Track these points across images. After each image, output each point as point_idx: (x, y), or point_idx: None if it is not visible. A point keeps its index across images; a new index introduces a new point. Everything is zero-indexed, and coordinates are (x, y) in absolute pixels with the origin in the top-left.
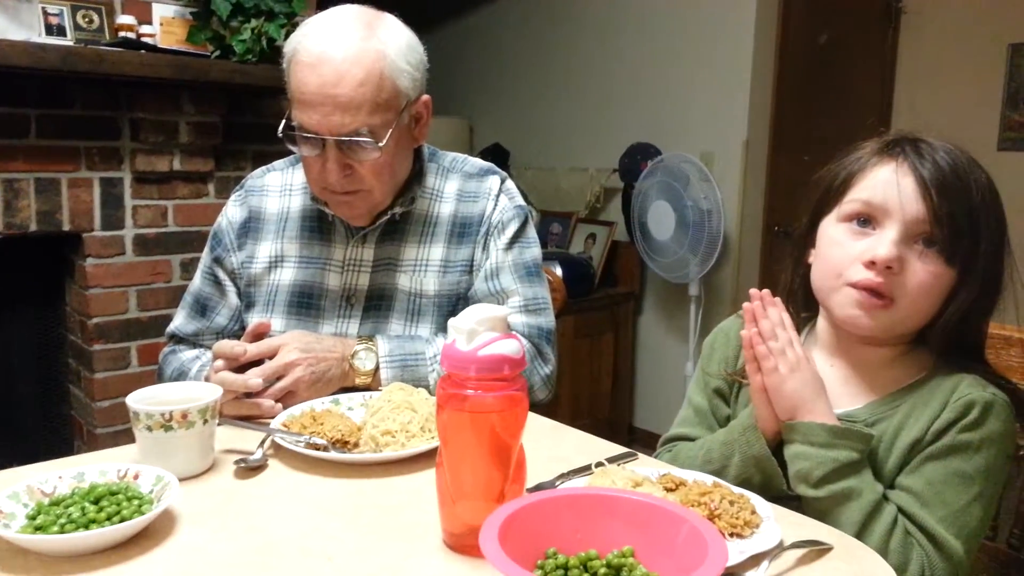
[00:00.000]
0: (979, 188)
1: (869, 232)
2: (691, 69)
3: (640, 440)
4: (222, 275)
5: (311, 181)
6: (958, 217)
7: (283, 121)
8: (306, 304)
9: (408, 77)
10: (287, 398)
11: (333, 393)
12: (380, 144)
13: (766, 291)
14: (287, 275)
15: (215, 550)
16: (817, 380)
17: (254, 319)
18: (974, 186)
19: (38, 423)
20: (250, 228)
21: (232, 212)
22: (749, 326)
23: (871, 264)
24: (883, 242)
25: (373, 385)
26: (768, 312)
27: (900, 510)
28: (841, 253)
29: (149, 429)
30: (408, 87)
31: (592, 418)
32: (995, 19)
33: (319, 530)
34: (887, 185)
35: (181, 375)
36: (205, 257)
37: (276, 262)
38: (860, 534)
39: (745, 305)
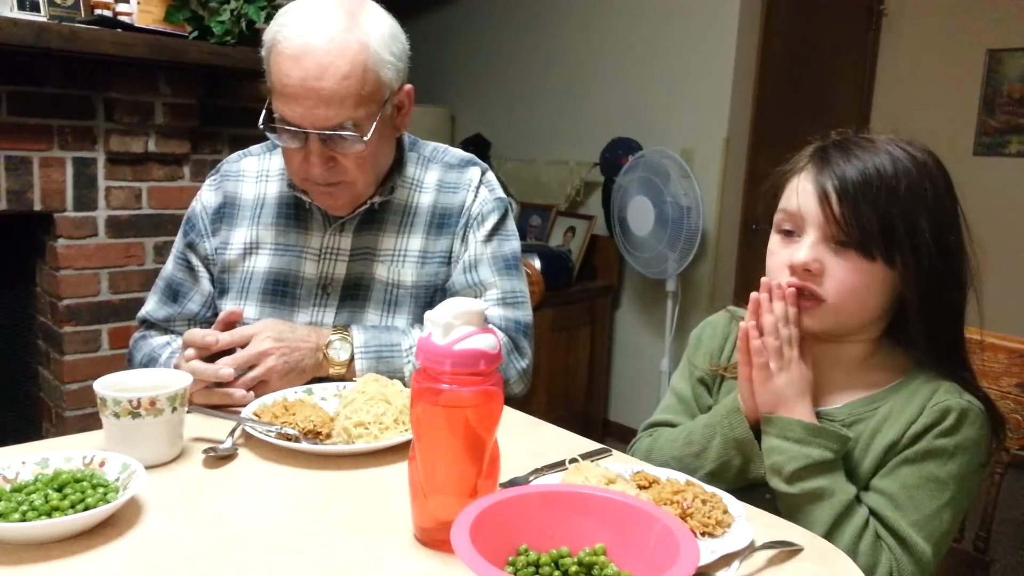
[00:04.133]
0: (899, 189)
1: (795, 240)
2: (674, 65)
3: (614, 434)
4: (195, 261)
5: (292, 172)
6: (865, 218)
7: (263, 112)
8: (281, 292)
9: (392, 68)
10: (259, 388)
11: (306, 383)
12: (364, 137)
13: (778, 283)
14: (262, 262)
15: (181, 541)
16: (804, 381)
17: (228, 306)
18: (890, 188)
19: (6, 405)
20: (225, 214)
21: (207, 197)
22: (751, 317)
23: (793, 269)
24: (801, 247)
25: (347, 376)
26: (774, 306)
27: (873, 512)
28: (774, 262)
29: (116, 416)
30: (391, 78)
31: (567, 411)
32: (974, 24)
33: (288, 522)
34: (798, 195)
35: (151, 361)
36: (178, 242)
37: (251, 249)
38: (830, 534)
39: (753, 295)
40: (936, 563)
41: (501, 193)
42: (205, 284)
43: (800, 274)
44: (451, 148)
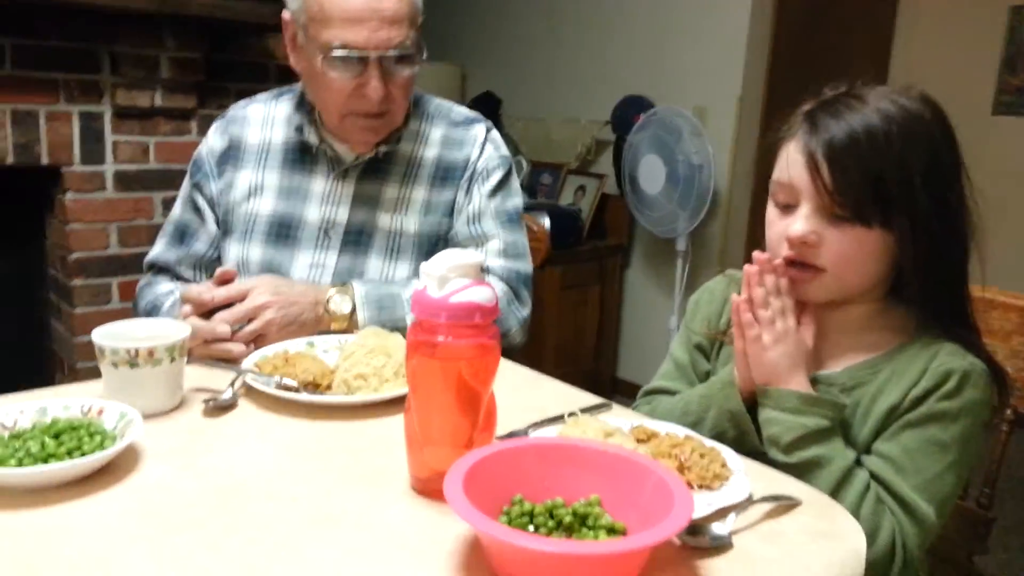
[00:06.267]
0: (891, 148)
1: (791, 210)
2: (688, 21)
3: (623, 391)
4: (201, 201)
5: (335, 106)
6: (859, 184)
7: (317, 46)
8: (285, 235)
9: None
10: (258, 341)
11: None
12: (423, 56)
13: (767, 256)
14: (266, 205)
15: (177, 488)
16: (799, 352)
17: (232, 248)
18: (881, 149)
19: (21, 356)
20: (230, 156)
21: (212, 140)
22: (744, 290)
23: (790, 242)
24: (797, 219)
25: (349, 329)
26: (765, 279)
27: (875, 476)
28: (772, 233)
29: (115, 365)
30: (421, 4)
31: (576, 368)
32: None
33: (286, 471)
34: (790, 166)
35: (154, 309)
36: (184, 185)
37: (255, 191)
38: None
39: (746, 268)
40: (940, 525)
41: (506, 151)
42: (211, 225)
43: (798, 246)
44: (456, 105)
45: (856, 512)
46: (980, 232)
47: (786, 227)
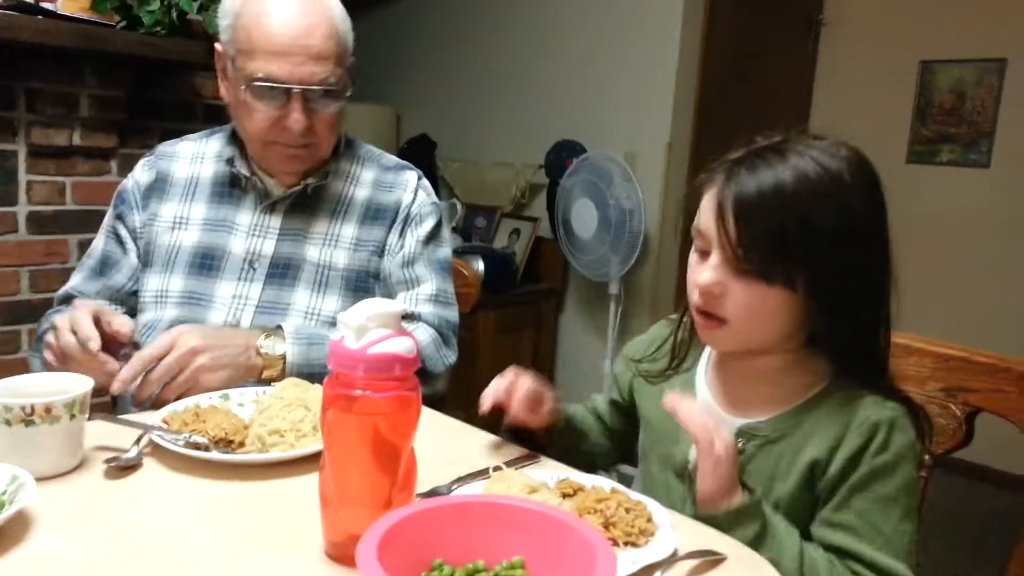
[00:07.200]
0: (798, 207)
1: (706, 257)
2: (618, 69)
3: None
4: (124, 233)
5: (258, 134)
6: (763, 241)
7: (242, 75)
8: (208, 266)
9: (350, 37)
10: (190, 392)
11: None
12: (347, 93)
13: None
14: (190, 237)
15: (71, 559)
16: (732, 472)
17: (151, 279)
18: (789, 207)
19: None
20: (155, 189)
21: (139, 174)
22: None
23: (699, 290)
24: (706, 268)
25: (282, 375)
26: (705, 420)
27: (839, 549)
28: (689, 277)
29: (8, 423)
30: (351, 46)
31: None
32: (909, 36)
33: (191, 537)
34: (704, 214)
35: (50, 328)
36: (107, 217)
37: (179, 223)
38: None
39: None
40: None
41: (436, 199)
42: (132, 257)
43: (704, 295)
44: (386, 153)
45: None
46: (896, 285)
47: (698, 273)
